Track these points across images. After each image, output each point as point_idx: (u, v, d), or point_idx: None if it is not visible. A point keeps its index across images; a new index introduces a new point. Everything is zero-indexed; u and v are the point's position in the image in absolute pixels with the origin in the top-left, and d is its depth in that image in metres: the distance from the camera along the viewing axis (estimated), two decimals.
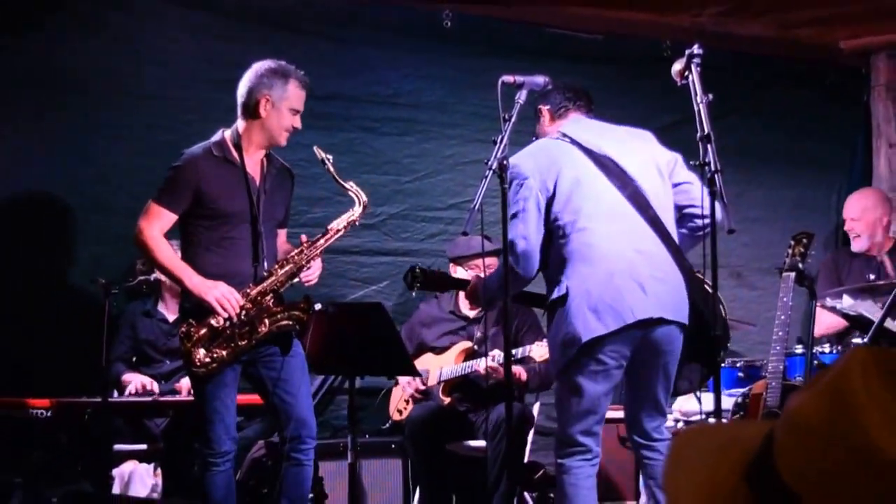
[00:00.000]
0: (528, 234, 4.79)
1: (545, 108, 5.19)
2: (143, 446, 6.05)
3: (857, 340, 6.37)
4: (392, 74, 7.48)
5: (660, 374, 4.91)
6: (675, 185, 4.99)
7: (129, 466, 5.89)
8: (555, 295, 4.81)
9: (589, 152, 4.91)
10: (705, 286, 4.86)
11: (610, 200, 4.85)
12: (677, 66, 4.78)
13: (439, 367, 6.53)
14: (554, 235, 4.85)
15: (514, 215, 4.81)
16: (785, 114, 8.34)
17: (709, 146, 4.51)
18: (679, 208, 4.95)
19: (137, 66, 6.78)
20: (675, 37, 7.83)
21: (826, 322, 6.50)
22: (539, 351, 6.09)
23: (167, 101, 6.78)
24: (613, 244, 4.79)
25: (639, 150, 5.03)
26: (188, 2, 6.89)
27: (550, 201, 4.84)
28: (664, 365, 4.88)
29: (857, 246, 7.06)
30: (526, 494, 6.29)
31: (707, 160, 4.51)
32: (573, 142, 4.94)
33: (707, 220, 4.66)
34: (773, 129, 8.20)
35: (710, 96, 4.63)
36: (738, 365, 6.82)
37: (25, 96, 6.51)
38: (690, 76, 4.70)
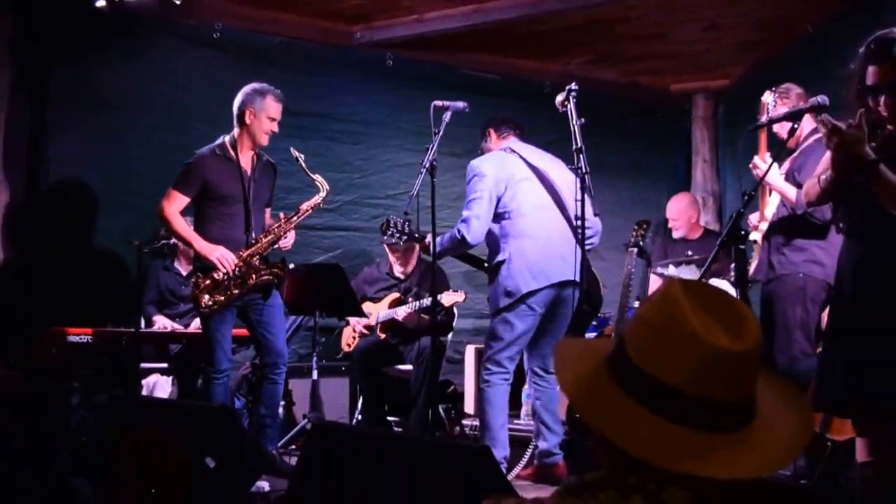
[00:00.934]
0: (481, 214, 4.89)
1: (492, 130, 5.27)
2: (164, 364, 6.00)
3: None
4: (349, 99, 7.46)
5: (564, 322, 5.03)
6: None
7: (153, 378, 5.86)
8: (500, 258, 4.94)
9: (530, 165, 5.05)
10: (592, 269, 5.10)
11: (541, 199, 5.02)
12: (559, 98, 4.86)
13: (377, 311, 6.52)
14: (501, 218, 4.96)
15: (473, 200, 4.92)
16: (630, 136, 8.29)
17: (581, 156, 4.66)
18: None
19: (163, 87, 6.75)
20: (552, 79, 7.82)
21: (657, 285, 6.59)
22: (447, 298, 6.14)
23: (184, 114, 6.72)
24: (542, 228, 4.96)
25: (557, 170, 5.11)
26: (201, 42, 6.83)
27: (501, 195, 4.93)
28: (567, 314, 5.00)
29: (676, 235, 7.09)
30: (439, 407, 6.31)
31: (580, 165, 4.65)
32: (520, 156, 5.07)
33: (586, 233, 4.82)
34: (621, 148, 8.14)
35: (583, 120, 4.73)
36: None
37: (80, 109, 6.43)
38: (569, 105, 4.79)
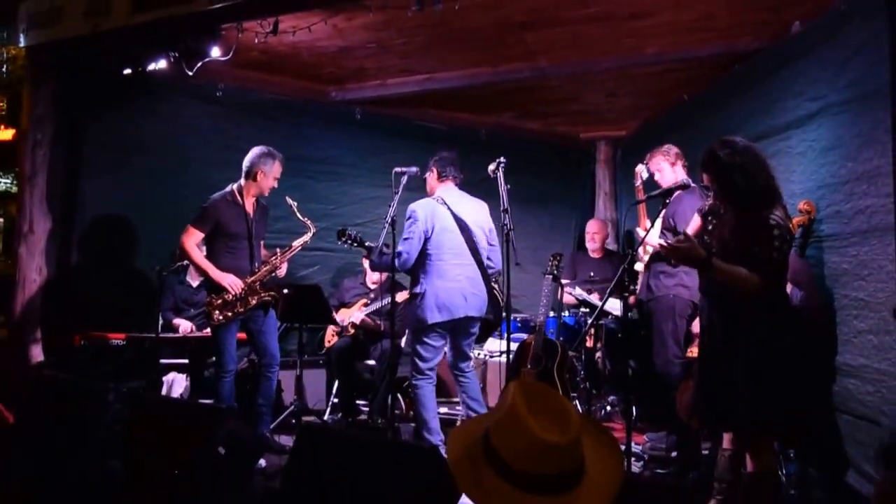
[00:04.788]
0: (411, 250, 5.01)
1: (436, 170, 5.25)
2: (184, 360, 6.05)
3: (584, 309, 6.57)
4: (325, 145, 7.55)
5: (468, 340, 5.23)
6: (489, 245, 5.23)
7: (171, 376, 5.90)
8: (417, 290, 5.07)
9: (453, 213, 5.11)
10: (495, 292, 5.17)
11: (458, 244, 5.10)
12: (491, 167, 4.90)
13: (349, 314, 6.65)
14: (422, 257, 5.07)
15: (406, 238, 5.02)
16: (547, 173, 8.48)
17: (507, 215, 4.74)
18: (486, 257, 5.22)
19: (176, 136, 6.82)
20: (487, 129, 8.07)
21: (566, 300, 6.74)
22: (399, 297, 6.19)
23: (192, 157, 6.81)
24: (454, 270, 5.08)
25: (478, 217, 5.20)
26: (206, 98, 6.91)
27: (427, 237, 5.04)
28: (470, 337, 5.22)
29: (589, 247, 7.17)
30: (398, 395, 6.43)
31: (505, 223, 4.74)
32: (445, 205, 5.12)
33: (496, 269, 5.06)
34: (540, 182, 8.34)
35: (509, 186, 4.77)
36: (517, 318, 7.05)
37: (110, 154, 6.52)
38: (498, 173, 4.85)
